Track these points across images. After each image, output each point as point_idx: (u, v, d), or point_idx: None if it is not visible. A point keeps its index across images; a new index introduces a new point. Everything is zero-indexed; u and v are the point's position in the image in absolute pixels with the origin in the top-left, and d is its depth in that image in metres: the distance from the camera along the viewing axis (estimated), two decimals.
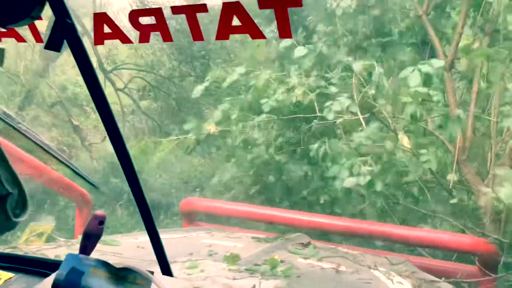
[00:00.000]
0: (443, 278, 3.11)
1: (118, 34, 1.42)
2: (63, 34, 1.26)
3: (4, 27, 1.26)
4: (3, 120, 1.51)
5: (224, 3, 1.16)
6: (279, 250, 3.48)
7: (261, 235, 4.24)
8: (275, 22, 1.18)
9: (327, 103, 5.36)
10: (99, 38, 1.38)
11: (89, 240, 1.39)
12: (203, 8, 1.25)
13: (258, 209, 5.14)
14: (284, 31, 1.26)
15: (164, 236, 3.68)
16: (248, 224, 6.42)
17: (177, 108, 9.04)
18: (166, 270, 1.78)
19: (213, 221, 5.99)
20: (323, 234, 5.39)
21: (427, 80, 4.64)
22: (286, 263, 3.03)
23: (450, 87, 4.91)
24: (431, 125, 5.17)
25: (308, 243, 3.84)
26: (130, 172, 1.56)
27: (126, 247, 3.18)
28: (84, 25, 7.29)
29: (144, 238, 3.29)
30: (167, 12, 1.43)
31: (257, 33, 1.28)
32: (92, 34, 1.53)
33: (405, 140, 4.94)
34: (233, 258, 2.81)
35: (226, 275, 2.55)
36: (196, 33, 1.26)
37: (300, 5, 1.10)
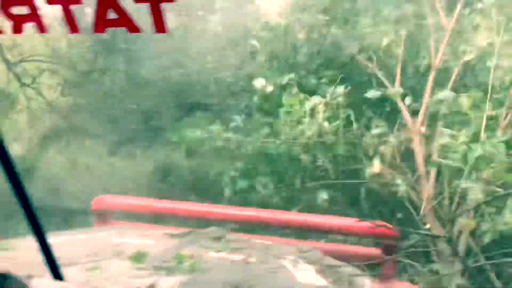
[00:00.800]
0: (343, 262, 3.28)
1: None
2: None
3: None
4: None
5: None
6: (191, 245, 3.47)
7: (176, 231, 4.20)
8: None
9: None
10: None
11: None
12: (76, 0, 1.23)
13: (174, 204, 5.07)
14: (159, 26, 1.26)
15: (70, 238, 3.53)
16: (168, 220, 6.33)
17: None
18: (56, 273, 1.71)
19: (131, 219, 5.83)
20: (242, 226, 5.49)
21: None
22: (196, 258, 3.03)
23: None
24: None
25: (221, 236, 3.87)
26: (11, 173, 1.48)
27: (24, 251, 2.99)
28: None
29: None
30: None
31: (133, 27, 1.27)
32: None
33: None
34: (139, 256, 2.76)
35: (130, 274, 2.50)
36: (72, 26, 1.24)
37: (172, 0, 1.11)
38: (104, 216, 4.91)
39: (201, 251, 3.30)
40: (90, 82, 8.69)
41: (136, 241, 3.45)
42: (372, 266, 4.22)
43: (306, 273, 3.03)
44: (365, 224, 4.29)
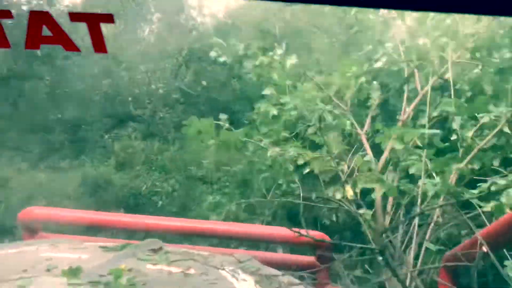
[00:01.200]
0: (282, 272, 3.38)
1: None
2: None
3: None
4: None
5: (31, 12, 1.11)
6: (128, 258, 3.39)
7: (111, 243, 4.08)
8: None
9: None
10: None
11: None
12: (8, 14, 1.19)
13: (107, 216, 4.92)
14: (98, 46, 1.25)
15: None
16: (100, 232, 6.12)
17: None
18: None
19: (62, 231, 5.56)
20: (180, 237, 5.44)
21: None
22: (134, 271, 2.98)
23: None
24: None
25: (159, 248, 3.82)
26: None
27: None
28: None
29: None
30: None
31: (69, 45, 1.25)
32: None
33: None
34: (73, 272, 2.66)
35: None
36: (2, 40, 1.19)
37: (112, 22, 1.11)
38: (32, 229, 4.65)
39: (138, 264, 3.24)
40: (9, 89, 8.20)
41: (70, 255, 3.31)
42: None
43: (245, 284, 3.09)
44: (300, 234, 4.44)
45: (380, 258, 3.21)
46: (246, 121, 6.12)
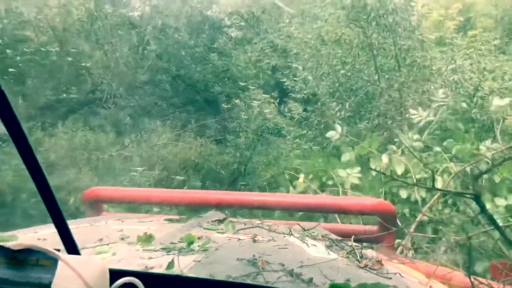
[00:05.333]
0: (352, 237, 3.28)
1: None
2: None
3: None
4: None
5: None
6: (194, 228, 3.41)
7: (175, 217, 4.13)
8: None
9: None
10: None
11: None
12: None
13: (166, 193, 4.99)
14: None
15: (70, 227, 3.40)
16: (160, 210, 6.25)
17: None
18: (73, 250, 1.63)
19: (122, 211, 5.73)
20: (237, 211, 5.46)
21: None
22: (204, 239, 2.97)
23: None
24: None
25: (224, 219, 3.82)
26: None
27: (25, 241, 2.86)
28: None
29: (44, 231, 3.00)
30: None
31: None
32: None
33: None
34: (147, 238, 2.68)
35: (141, 256, 2.42)
36: None
37: None
38: (96, 207, 4.80)
39: (206, 233, 3.24)
40: None
41: (138, 227, 3.36)
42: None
43: (316, 248, 3.01)
44: (365, 201, 4.32)
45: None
46: None
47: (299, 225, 3.79)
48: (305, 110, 10.87)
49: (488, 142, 5.38)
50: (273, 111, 11.01)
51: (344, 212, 4.72)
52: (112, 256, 2.38)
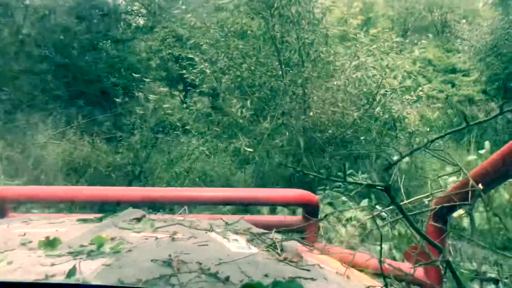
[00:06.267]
0: (274, 229, 3.26)
1: None
2: None
3: None
4: None
5: None
6: (109, 228, 3.19)
7: (90, 216, 3.86)
8: None
9: None
10: None
11: None
12: None
13: (83, 190, 4.68)
14: None
15: None
16: (76, 209, 5.86)
17: None
18: None
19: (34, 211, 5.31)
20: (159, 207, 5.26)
21: None
22: (117, 240, 2.78)
23: None
24: None
25: (142, 216, 3.63)
26: None
27: None
28: None
29: None
30: None
31: None
32: None
33: None
34: (51, 243, 2.44)
35: (43, 263, 2.20)
36: None
37: None
38: (1, 211, 4.38)
39: (121, 232, 3.05)
40: None
41: (45, 230, 3.08)
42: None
43: (237, 243, 2.95)
44: (290, 193, 4.34)
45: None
46: None
47: (222, 219, 3.71)
48: (212, 106, 10.42)
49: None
50: (177, 106, 10.35)
51: (268, 204, 4.73)
52: (7, 266, 2.13)
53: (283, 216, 5.10)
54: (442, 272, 3.06)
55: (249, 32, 9.65)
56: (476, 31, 21.03)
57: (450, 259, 2.94)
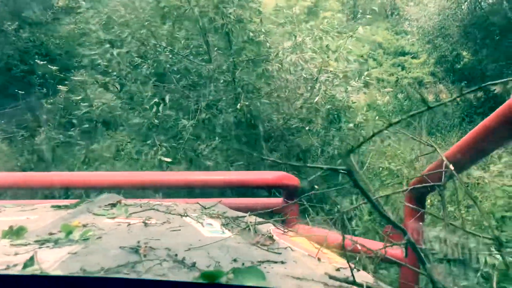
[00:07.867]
0: (249, 212, 3.25)
1: None
2: None
3: None
4: None
5: None
6: (82, 215, 3.15)
7: (64, 202, 3.80)
8: None
9: None
10: None
11: None
12: None
13: (54, 176, 4.61)
14: None
15: None
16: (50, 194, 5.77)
17: None
18: None
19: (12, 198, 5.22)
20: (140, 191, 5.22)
21: None
22: (89, 226, 2.75)
23: None
24: None
25: (117, 202, 3.59)
26: None
27: None
28: None
29: None
30: None
31: None
32: None
33: None
34: (16, 232, 2.40)
35: (7, 252, 2.15)
36: None
37: None
38: None
39: (94, 219, 3.01)
40: None
41: (15, 218, 3.03)
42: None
43: (211, 227, 2.93)
44: (269, 175, 4.32)
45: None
46: None
47: (199, 203, 3.69)
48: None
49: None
50: (100, 96, 8.95)
51: (248, 187, 4.72)
52: None
53: (266, 199, 5.09)
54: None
55: (166, 8, 8.40)
56: (424, 11, 20.82)
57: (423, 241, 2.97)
